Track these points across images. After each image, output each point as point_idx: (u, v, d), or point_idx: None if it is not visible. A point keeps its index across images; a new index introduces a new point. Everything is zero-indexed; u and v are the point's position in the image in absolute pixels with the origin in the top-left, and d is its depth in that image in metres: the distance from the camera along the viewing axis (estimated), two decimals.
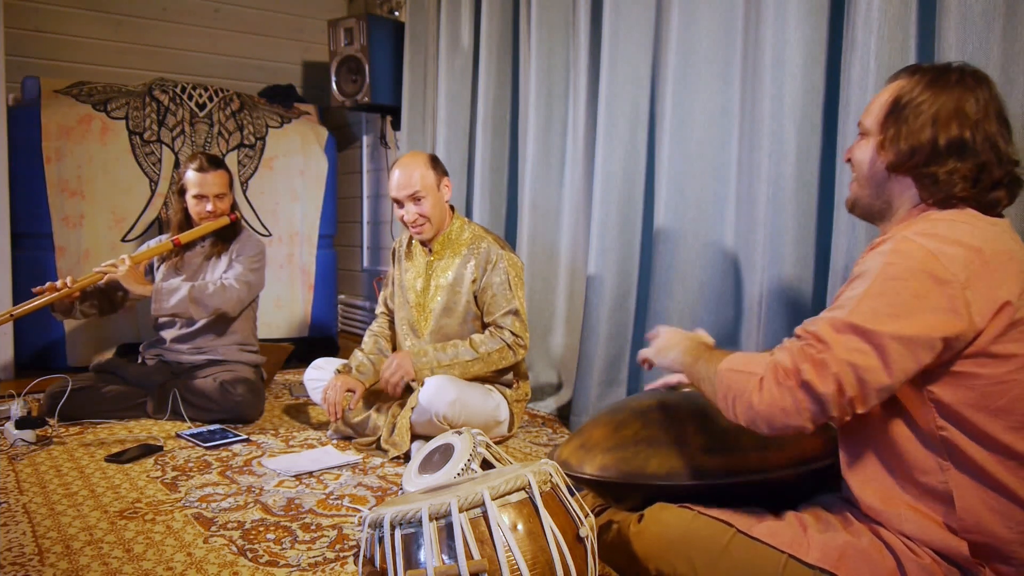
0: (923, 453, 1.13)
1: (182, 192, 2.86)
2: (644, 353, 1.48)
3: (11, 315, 2.50)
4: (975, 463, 1.09)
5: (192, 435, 2.50)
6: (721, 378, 1.20)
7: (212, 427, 2.60)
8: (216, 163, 2.86)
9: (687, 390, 1.57)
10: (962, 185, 1.14)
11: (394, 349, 2.63)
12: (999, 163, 1.15)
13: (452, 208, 2.54)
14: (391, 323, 2.68)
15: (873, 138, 1.22)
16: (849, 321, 1.08)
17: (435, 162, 2.44)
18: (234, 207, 2.95)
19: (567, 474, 1.42)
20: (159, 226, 3.58)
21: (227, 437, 2.49)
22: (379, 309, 2.72)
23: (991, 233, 1.12)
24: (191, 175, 2.82)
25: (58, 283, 2.59)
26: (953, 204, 1.16)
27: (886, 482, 1.17)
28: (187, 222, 2.89)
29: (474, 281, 2.43)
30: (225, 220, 2.85)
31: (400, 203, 2.40)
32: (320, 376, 2.64)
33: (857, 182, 1.27)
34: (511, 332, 2.39)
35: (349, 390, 2.43)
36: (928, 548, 1.12)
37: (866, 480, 1.20)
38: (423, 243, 2.52)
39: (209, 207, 2.81)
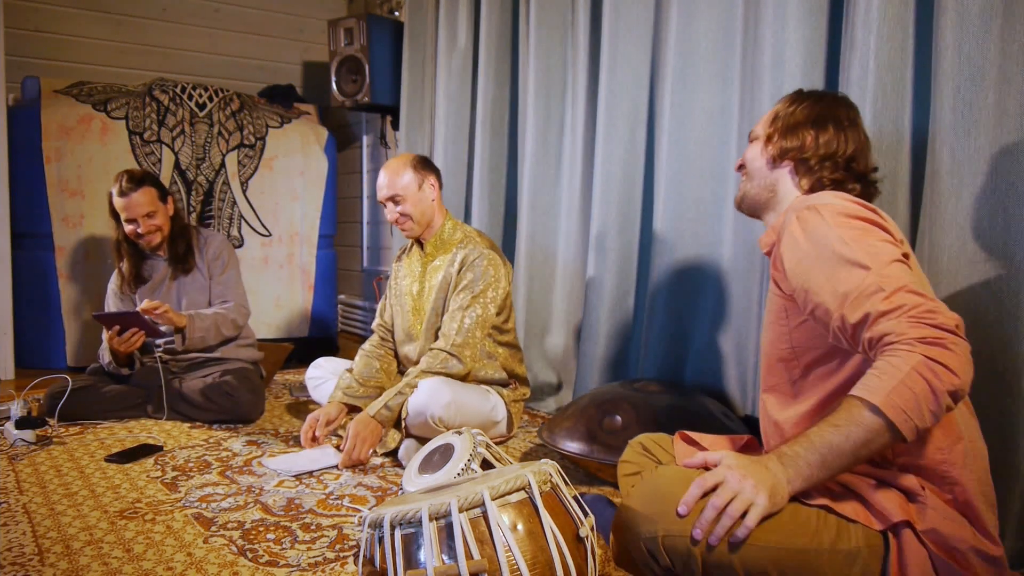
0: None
1: (117, 217, 2.72)
2: (735, 509, 1.06)
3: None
4: None
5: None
6: (874, 418, 1.03)
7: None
8: (137, 182, 2.67)
9: None
10: (832, 171, 1.33)
11: (397, 357, 2.61)
12: (864, 161, 1.36)
13: (447, 211, 2.52)
14: (391, 334, 2.63)
15: (761, 140, 1.42)
16: (881, 284, 1.09)
17: (419, 163, 2.44)
18: (178, 215, 2.81)
19: None
20: None
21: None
22: (376, 322, 2.67)
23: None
24: (115, 199, 2.68)
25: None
26: (823, 188, 1.34)
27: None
28: (129, 245, 2.77)
29: (455, 277, 2.40)
30: None
31: (384, 204, 2.45)
32: (320, 375, 2.64)
33: (746, 178, 1.44)
34: (446, 337, 2.32)
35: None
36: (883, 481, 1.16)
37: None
38: (419, 244, 2.53)
39: (140, 229, 2.69)
